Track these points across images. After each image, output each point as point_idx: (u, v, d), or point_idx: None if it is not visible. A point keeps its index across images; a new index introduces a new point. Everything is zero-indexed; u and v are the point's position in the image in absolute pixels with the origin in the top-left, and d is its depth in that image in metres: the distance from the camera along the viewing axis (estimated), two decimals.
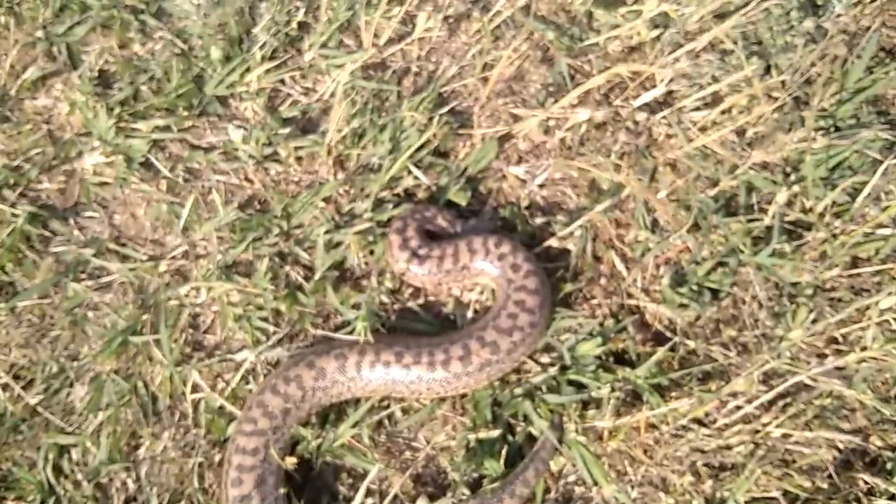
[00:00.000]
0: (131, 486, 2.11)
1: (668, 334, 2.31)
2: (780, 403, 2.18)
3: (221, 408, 2.16)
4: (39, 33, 2.56)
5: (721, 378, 2.22)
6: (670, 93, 2.61)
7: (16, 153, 2.45)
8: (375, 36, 2.59)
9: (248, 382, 2.19)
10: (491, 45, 2.60)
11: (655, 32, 2.59)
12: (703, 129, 2.50)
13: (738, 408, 2.16)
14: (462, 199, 2.42)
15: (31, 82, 2.53)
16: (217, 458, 2.14)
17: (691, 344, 2.26)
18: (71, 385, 2.22)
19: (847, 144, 2.39)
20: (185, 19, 2.61)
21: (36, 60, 2.57)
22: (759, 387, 2.17)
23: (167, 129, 2.44)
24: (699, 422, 2.21)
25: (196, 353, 2.24)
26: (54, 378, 2.22)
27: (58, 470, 2.12)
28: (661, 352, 2.18)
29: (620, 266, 2.39)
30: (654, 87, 2.57)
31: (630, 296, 2.37)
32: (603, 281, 2.38)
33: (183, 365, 2.19)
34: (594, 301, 2.37)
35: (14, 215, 2.32)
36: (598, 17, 2.71)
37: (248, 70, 2.54)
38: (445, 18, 2.68)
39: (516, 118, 2.56)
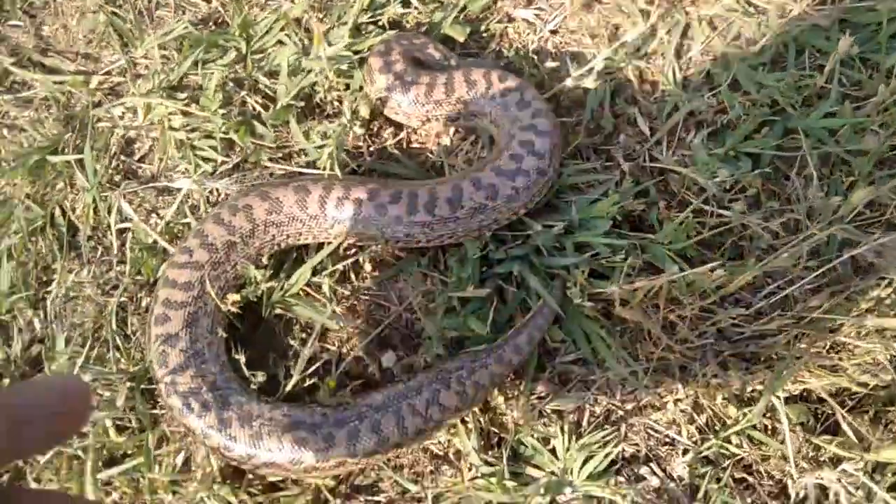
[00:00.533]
0: (37, 325, 1.72)
1: (697, 203, 1.91)
2: (830, 290, 1.77)
3: (154, 244, 1.77)
4: None
5: (759, 255, 1.84)
6: None
7: None
8: None
9: (186, 217, 1.80)
10: None
11: None
12: None
13: (780, 289, 1.78)
14: (459, 34, 2.03)
15: None
16: (145, 301, 1.75)
17: (725, 214, 1.87)
18: None
19: None
20: None
21: None
22: (805, 264, 1.79)
23: None
24: (732, 301, 1.83)
25: (127, 183, 1.84)
26: None
27: None
28: (687, 212, 1.80)
29: (643, 125, 2.01)
30: None
31: (653, 159, 1.98)
32: (622, 138, 1.99)
33: (110, 192, 1.80)
34: (610, 163, 1.99)
35: None
36: None
37: None
38: None
39: None
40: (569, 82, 1.97)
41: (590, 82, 1.98)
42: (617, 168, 1.96)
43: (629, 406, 1.72)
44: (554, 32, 2.11)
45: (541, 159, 1.78)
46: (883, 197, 1.87)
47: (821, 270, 1.69)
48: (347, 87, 1.96)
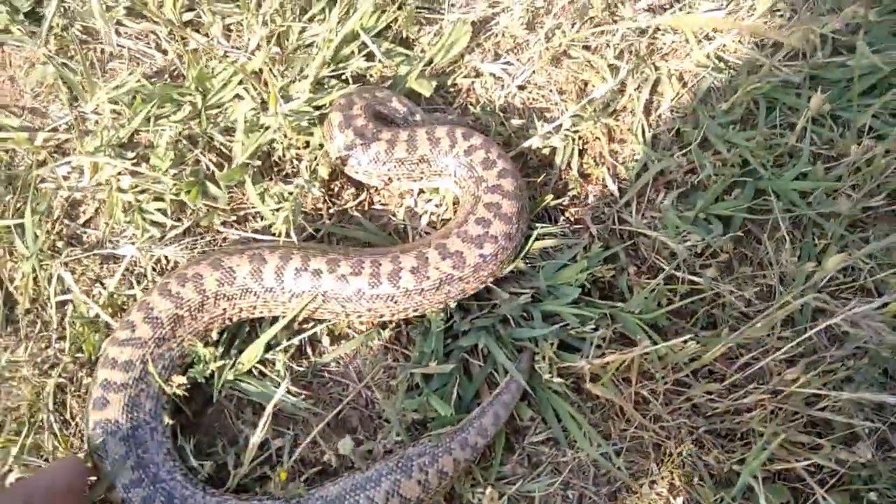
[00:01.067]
0: None
1: (667, 267, 1.85)
2: (805, 361, 1.71)
3: (96, 317, 1.66)
4: None
5: (732, 324, 1.79)
6: None
7: None
8: None
9: (132, 287, 1.70)
10: None
11: None
12: (715, 32, 2.08)
13: (755, 360, 1.73)
14: (425, 89, 1.96)
15: None
16: (86, 381, 1.63)
17: (696, 280, 1.81)
18: None
19: None
20: None
21: None
22: (780, 334, 1.74)
23: None
24: (706, 373, 1.77)
25: (70, 250, 1.73)
26: None
27: None
28: (657, 280, 1.75)
29: (612, 185, 1.95)
30: None
31: (622, 221, 1.93)
32: (591, 200, 1.93)
33: (51, 261, 1.69)
34: (578, 225, 1.93)
35: None
36: None
37: None
38: None
39: (495, 5, 2.12)
40: (536, 140, 1.92)
41: (557, 140, 1.92)
42: (585, 231, 1.90)
43: (603, 490, 1.65)
44: (521, 88, 2.06)
45: (508, 223, 1.71)
46: (857, 262, 1.84)
47: (796, 341, 1.64)
48: (307, 144, 1.88)
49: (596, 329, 1.72)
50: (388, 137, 1.77)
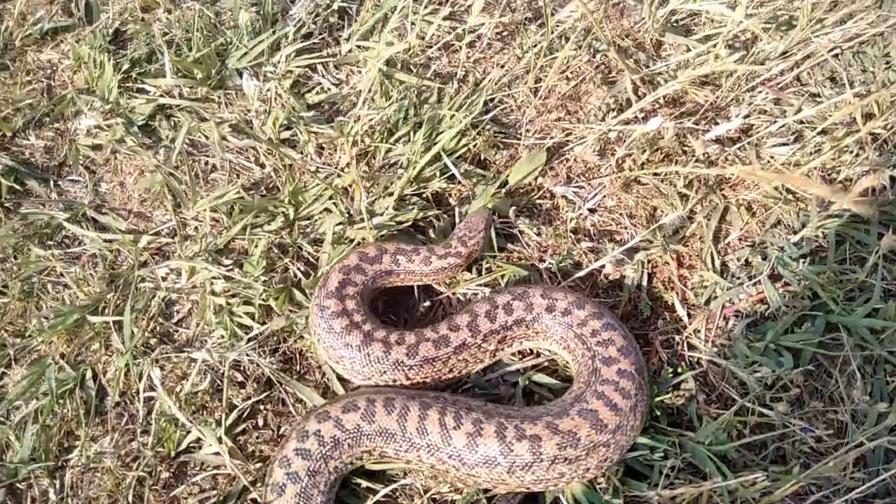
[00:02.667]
0: (52, 496, 1.67)
1: (738, 398, 1.85)
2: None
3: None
4: None
5: (803, 460, 1.77)
6: (747, 128, 2.29)
7: (7, 103, 2.17)
8: (420, 37, 2.34)
9: (216, 388, 1.78)
10: (545, 61, 2.32)
11: (733, 57, 2.28)
12: (785, 167, 2.15)
13: (826, 498, 1.69)
14: (503, 209, 2.06)
15: (40, 34, 2.29)
16: (164, 475, 1.70)
17: (767, 413, 1.81)
18: (9, 365, 1.83)
19: None
20: None
21: (50, 13, 2.35)
22: (852, 474, 1.70)
23: (178, 94, 2.16)
24: None
25: (162, 347, 1.84)
26: None
27: None
28: (729, 414, 1.75)
29: (681, 311, 1.99)
30: (727, 119, 2.27)
31: (692, 347, 1.95)
32: (660, 324, 1.97)
33: (143, 358, 1.80)
34: (647, 348, 1.96)
35: None
36: (668, 41, 2.45)
37: (277, 48, 2.28)
38: (498, 26, 2.43)
39: (569, 134, 2.25)
40: (606, 264, 1.98)
41: (630, 270, 1.98)
42: (654, 355, 1.93)
43: None
44: (592, 211, 2.14)
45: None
46: None
47: (869, 483, 1.60)
48: None
49: (665, 457, 1.72)
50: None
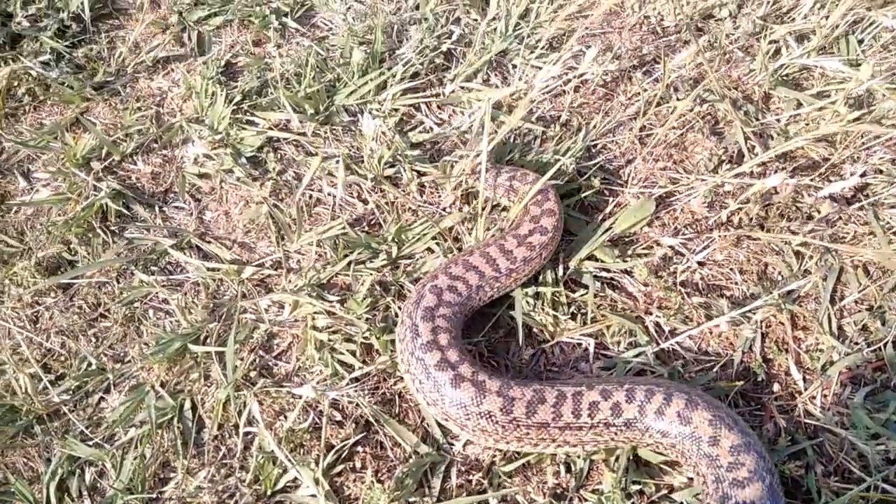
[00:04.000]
0: None
1: (858, 472, 1.74)
2: None
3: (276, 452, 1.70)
4: (173, 18, 2.41)
5: None
6: (862, 186, 2.20)
7: (116, 128, 2.21)
8: (524, 81, 2.32)
9: (314, 427, 1.73)
10: (655, 110, 2.28)
11: (853, 115, 2.20)
12: None
13: None
14: (608, 257, 2.00)
15: (152, 62, 2.34)
16: None
17: (891, 491, 1.68)
18: (107, 390, 1.82)
19: None
20: (329, 29, 2.42)
21: (163, 42, 2.40)
22: None
23: (286, 128, 2.17)
24: None
25: (263, 380, 1.81)
26: (89, 377, 1.82)
27: (63, 490, 1.67)
28: (856, 492, 1.63)
29: (797, 374, 1.88)
30: (841, 177, 2.19)
31: (808, 414, 1.84)
32: (776, 388, 1.86)
33: (243, 390, 1.77)
34: (761, 413, 1.85)
35: (96, 188, 2.04)
36: (778, 94, 2.38)
37: (384, 87, 2.29)
38: (605, 75, 2.41)
39: (676, 183, 2.19)
40: (720, 322, 1.89)
41: (749, 331, 1.89)
42: (769, 420, 1.83)
43: None
44: (701, 264, 2.07)
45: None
46: None
47: None
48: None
49: None
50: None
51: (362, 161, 2.13)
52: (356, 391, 1.75)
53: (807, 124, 2.31)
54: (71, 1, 2.41)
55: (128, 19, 2.49)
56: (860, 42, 2.48)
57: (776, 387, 1.87)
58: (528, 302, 1.92)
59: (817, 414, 1.83)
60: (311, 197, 2.10)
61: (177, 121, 2.22)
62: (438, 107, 2.34)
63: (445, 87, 2.36)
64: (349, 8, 2.42)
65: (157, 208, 2.10)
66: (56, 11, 2.42)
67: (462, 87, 2.34)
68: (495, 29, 2.42)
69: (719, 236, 2.09)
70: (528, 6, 2.46)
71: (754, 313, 1.93)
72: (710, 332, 1.94)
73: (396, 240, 1.98)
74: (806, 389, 1.86)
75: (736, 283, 2.05)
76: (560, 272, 1.98)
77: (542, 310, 1.91)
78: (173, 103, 2.29)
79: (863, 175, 2.20)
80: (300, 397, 1.74)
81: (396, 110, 2.27)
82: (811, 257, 2.03)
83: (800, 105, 2.33)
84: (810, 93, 2.36)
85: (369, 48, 2.32)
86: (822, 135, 2.11)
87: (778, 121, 2.31)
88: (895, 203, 2.13)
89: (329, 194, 2.10)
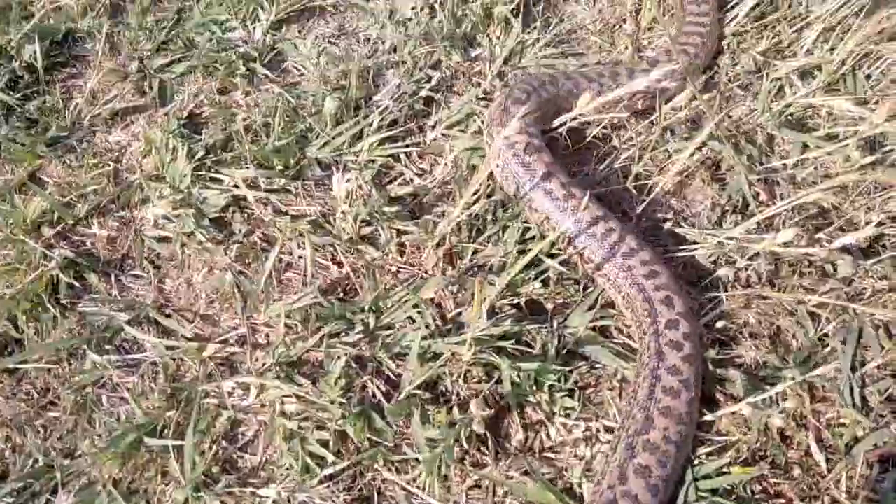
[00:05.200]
0: None
1: None
2: None
3: None
4: (133, 65, 2.24)
5: None
6: (878, 236, 2.04)
7: (70, 187, 2.04)
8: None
9: None
10: (650, 155, 2.12)
11: (867, 160, 2.04)
12: None
13: None
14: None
15: (110, 114, 2.17)
16: None
17: None
18: (55, 490, 1.63)
19: None
20: (301, 75, 2.25)
21: (122, 93, 2.23)
22: None
23: (254, 185, 1.99)
24: None
25: (225, 477, 1.62)
26: (35, 477, 1.63)
27: None
28: None
29: (818, 455, 1.71)
30: (856, 227, 2.03)
31: (836, 502, 1.66)
32: (796, 472, 1.69)
33: (204, 491, 1.58)
34: (780, 500, 1.67)
35: (46, 257, 1.86)
36: (783, 135, 2.22)
37: (360, 137, 2.12)
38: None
39: (677, 237, 2.02)
40: (743, 408, 1.70)
41: (777, 418, 1.71)
42: None
43: None
44: (709, 327, 1.89)
45: None
46: None
47: None
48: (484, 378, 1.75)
49: None
50: None
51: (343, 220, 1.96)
52: (329, 489, 1.56)
53: (815, 168, 2.15)
54: (24, 49, 2.23)
55: (85, 66, 2.32)
56: (868, 77, 2.33)
57: (796, 471, 1.69)
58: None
59: (843, 501, 1.65)
60: (280, 261, 1.92)
61: (135, 178, 2.05)
62: (419, 156, 2.17)
63: (427, 135, 2.20)
64: (322, 50, 2.25)
65: (113, 277, 1.92)
66: (8, 61, 2.25)
67: (444, 135, 2.18)
68: (480, 72, 2.26)
69: (727, 296, 1.92)
70: (512, 49, 2.30)
71: (770, 385, 1.75)
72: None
73: (374, 308, 1.80)
74: (830, 471, 1.68)
75: (749, 348, 1.87)
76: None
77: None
78: (132, 159, 2.12)
79: (878, 224, 2.04)
80: (267, 497, 1.56)
81: (373, 161, 2.10)
82: (829, 320, 1.86)
83: (807, 147, 2.18)
84: (818, 134, 2.20)
85: (343, 94, 2.15)
86: (838, 184, 1.95)
87: (784, 166, 2.15)
88: None
89: (300, 257, 1.92)
